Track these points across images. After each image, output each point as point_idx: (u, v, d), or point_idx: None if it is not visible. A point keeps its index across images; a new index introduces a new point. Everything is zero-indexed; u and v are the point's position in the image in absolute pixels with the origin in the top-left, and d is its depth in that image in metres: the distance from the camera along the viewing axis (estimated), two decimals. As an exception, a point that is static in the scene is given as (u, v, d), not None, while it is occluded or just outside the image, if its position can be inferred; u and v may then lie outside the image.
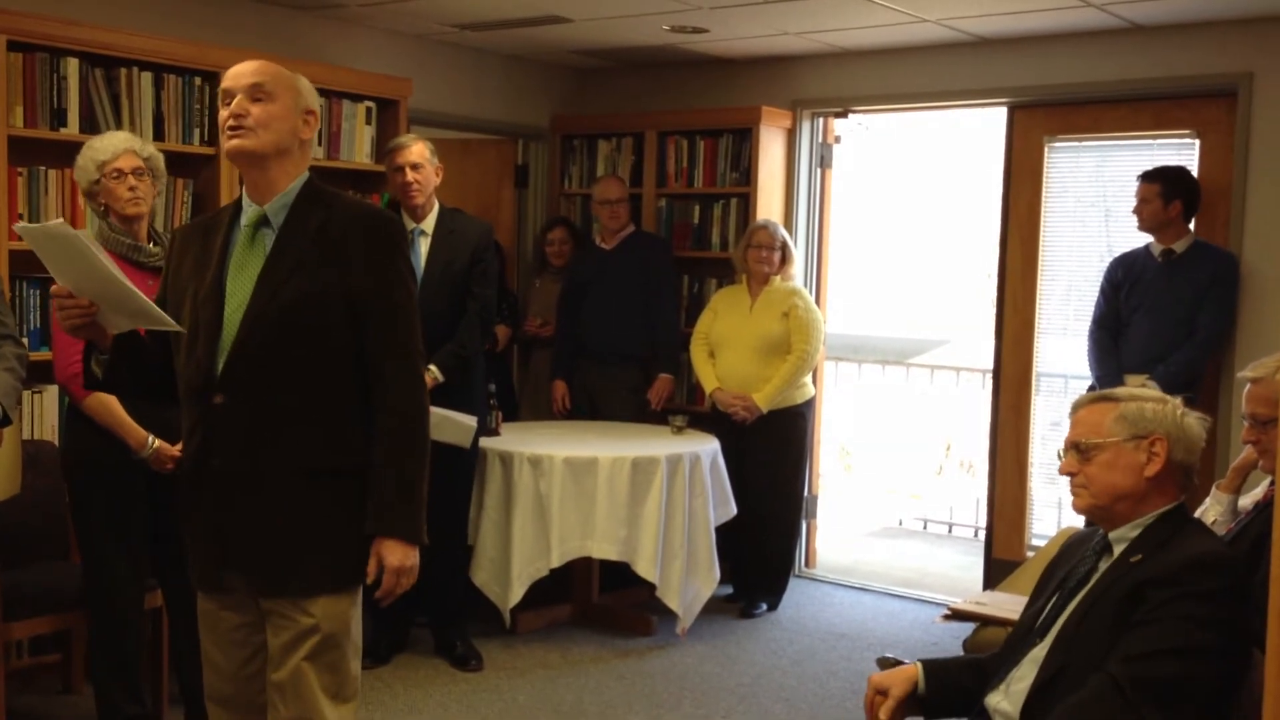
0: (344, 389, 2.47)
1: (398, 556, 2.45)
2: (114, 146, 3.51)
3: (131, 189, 3.50)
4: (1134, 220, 5.11)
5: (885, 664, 2.56)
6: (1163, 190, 4.82)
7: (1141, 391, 2.38)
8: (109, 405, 3.48)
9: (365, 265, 2.46)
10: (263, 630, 2.54)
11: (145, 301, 2.36)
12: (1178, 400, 2.39)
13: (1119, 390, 2.41)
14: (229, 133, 2.44)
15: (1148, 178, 4.88)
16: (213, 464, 2.47)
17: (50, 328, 3.97)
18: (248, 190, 2.52)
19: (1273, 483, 2.92)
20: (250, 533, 2.47)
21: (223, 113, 2.46)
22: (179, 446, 3.48)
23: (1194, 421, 2.36)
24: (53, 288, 2.38)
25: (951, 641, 4.74)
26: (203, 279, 2.48)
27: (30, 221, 4.10)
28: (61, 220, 2.33)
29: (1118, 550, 2.35)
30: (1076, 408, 2.44)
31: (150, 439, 3.53)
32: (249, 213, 2.50)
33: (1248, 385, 2.83)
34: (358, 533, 2.48)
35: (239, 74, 2.46)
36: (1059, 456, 2.44)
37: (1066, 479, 2.43)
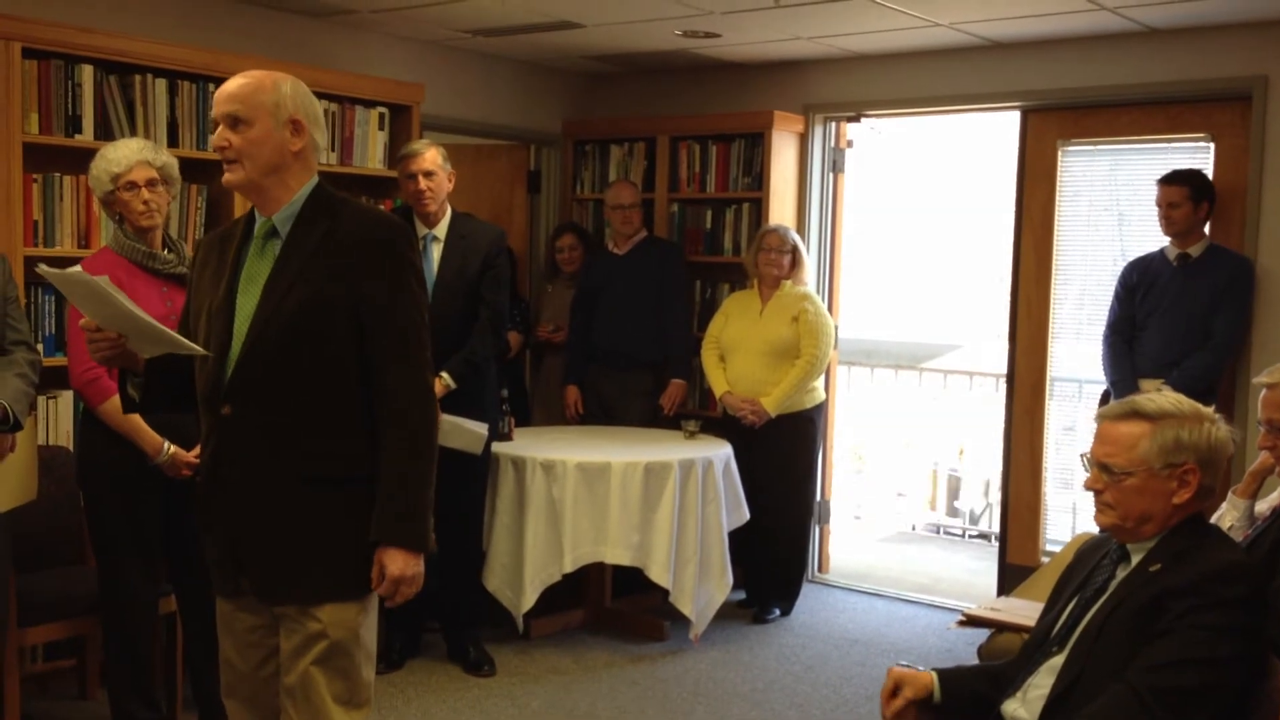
0: (350, 398, 2.47)
1: (399, 565, 2.44)
2: (127, 158, 3.51)
3: (145, 202, 3.50)
4: (1148, 224, 5.09)
5: (899, 673, 2.56)
6: (1192, 193, 4.80)
7: (1172, 406, 2.31)
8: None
9: (371, 274, 2.46)
10: (278, 632, 2.55)
11: (170, 333, 2.42)
12: (1210, 410, 2.33)
13: (1149, 403, 2.33)
14: (223, 164, 2.48)
15: (1173, 180, 4.84)
16: (222, 472, 2.49)
17: (65, 334, 3.98)
18: (255, 204, 2.54)
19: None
20: (257, 540, 2.49)
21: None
22: (194, 452, 3.51)
23: (1225, 435, 2.32)
24: (81, 322, 2.44)
25: (966, 648, 4.73)
26: (217, 290, 2.51)
27: (45, 240, 4.13)
28: (79, 269, 2.38)
29: (1135, 558, 2.33)
30: (1104, 419, 2.38)
31: (165, 445, 3.53)
32: (260, 224, 2.52)
33: (1263, 391, 2.82)
34: (364, 540, 2.48)
35: (219, 99, 2.46)
36: (1083, 464, 2.42)
37: (1079, 483, 2.41)
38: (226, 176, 2.47)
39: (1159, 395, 2.37)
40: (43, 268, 2.39)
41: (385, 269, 2.47)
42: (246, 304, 2.47)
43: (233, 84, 2.46)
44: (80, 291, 2.38)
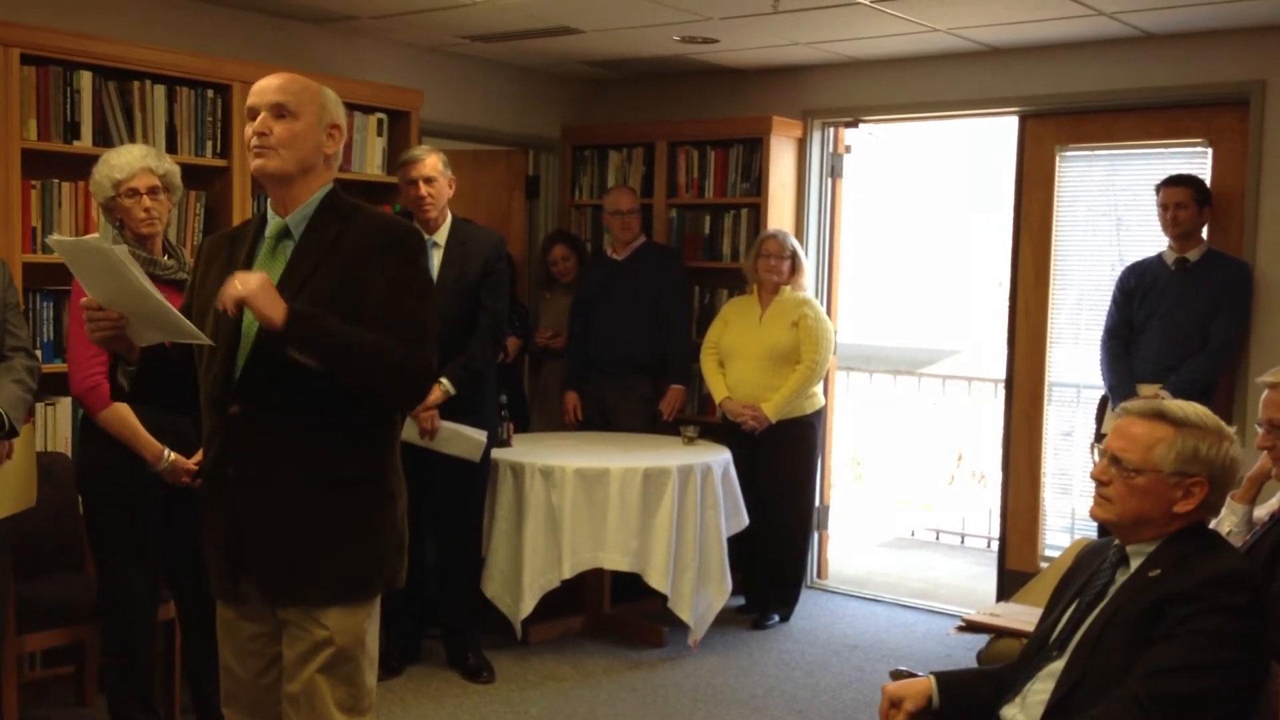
0: (358, 399, 2.46)
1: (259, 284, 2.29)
2: (130, 165, 3.50)
3: (146, 210, 3.49)
4: (1146, 229, 5.09)
5: (898, 677, 2.55)
6: (1196, 194, 4.81)
7: (1197, 417, 2.31)
8: (124, 418, 3.48)
9: (381, 276, 2.46)
10: (279, 640, 2.55)
11: (177, 316, 2.38)
12: (1231, 430, 2.33)
13: (1176, 409, 2.33)
14: (253, 151, 2.45)
15: (1176, 182, 4.84)
16: (229, 472, 2.49)
17: (64, 340, 3.98)
18: (272, 203, 2.53)
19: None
20: (264, 541, 2.48)
21: (248, 129, 2.46)
22: (194, 459, 3.50)
23: (1241, 456, 2.31)
24: (82, 300, 2.39)
25: (965, 653, 4.73)
26: None
27: (44, 246, 4.12)
28: (98, 235, 2.33)
29: (1135, 563, 2.33)
30: (1127, 413, 2.38)
31: (165, 452, 3.53)
32: (272, 224, 2.53)
33: (1266, 391, 2.82)
34: (371, 544, 2.48)
35: (264, 90, 2.46)
36: (1093, 452, 2.42)
37: (1077, 488, 2.41)
38: (257, 163, 2.44)
39: (1186, 403, 2.35)
40: (54, 237, 2.34)
41: (394, 271, 2.48)
42: None
43: (278, 78, 2.48)
44: (92, 262, 2.31)
